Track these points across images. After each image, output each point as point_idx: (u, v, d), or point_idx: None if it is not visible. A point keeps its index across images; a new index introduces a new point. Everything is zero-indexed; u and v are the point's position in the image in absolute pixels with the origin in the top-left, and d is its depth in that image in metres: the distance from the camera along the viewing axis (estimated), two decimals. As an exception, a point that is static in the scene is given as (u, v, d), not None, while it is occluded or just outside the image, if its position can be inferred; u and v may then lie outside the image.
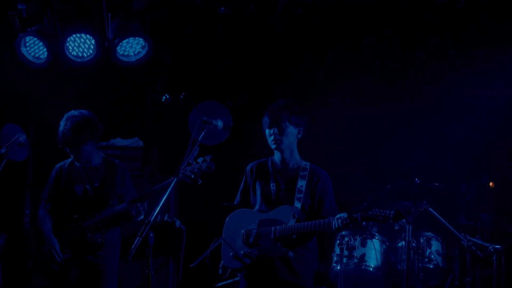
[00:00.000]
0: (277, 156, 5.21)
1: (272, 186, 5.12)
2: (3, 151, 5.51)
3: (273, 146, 5.13)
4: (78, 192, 5.82)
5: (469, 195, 8.23)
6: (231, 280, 6.06)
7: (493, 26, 7.48)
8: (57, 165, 6.02)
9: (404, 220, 6.65)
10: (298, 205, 5.01)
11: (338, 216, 4.79)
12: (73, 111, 5.82)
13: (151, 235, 4.91)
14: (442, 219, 6.77)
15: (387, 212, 4.67)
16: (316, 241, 5.24)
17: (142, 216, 5.61)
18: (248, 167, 5.35)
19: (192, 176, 4.93)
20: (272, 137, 5.08)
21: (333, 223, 4.76)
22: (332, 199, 5.17)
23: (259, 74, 8.63)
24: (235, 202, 5.40)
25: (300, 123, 5.12)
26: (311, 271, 5.14)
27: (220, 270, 5.40)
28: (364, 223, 4.76)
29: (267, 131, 5.13)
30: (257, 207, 5.16)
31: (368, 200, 6.43)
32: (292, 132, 5.09)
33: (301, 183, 5.05)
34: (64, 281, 5.70)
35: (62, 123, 5.76)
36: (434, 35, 7.72)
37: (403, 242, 6.87)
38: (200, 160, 4.91)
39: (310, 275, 5.14)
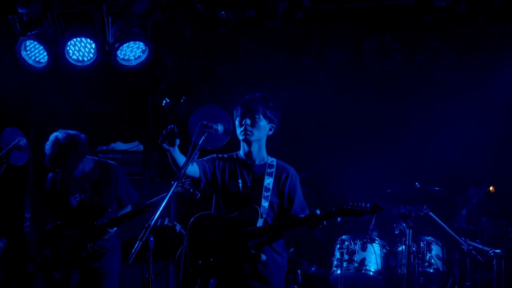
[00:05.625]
0: (243, 150, 4.92)
1: (239, 184, 4.84)
2: (3, 155, 5.51)
3: (241, 137, 4.84)
4: (73, 203, 5.80)
5: (475, 199, 8.22)
6: None
7: (493, 30, 7.50)
8: (50, 175, 5.97)
9: (404, 225, 6.67)
10: (265, 204, 4.76)
11: (311, 212, 4.57)
12: (57, 133, 5.68)
13: (151, 239, 4.90)
14: (442, 223, 6.77)
15: (363, 205, 4.45)
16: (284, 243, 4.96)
17: None
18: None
19: (191, 190, 4.89)
20: (242, 128, 4.80)
21: (306, 220, 4.56)
22: (302, 196, 4.92)
23: (260, 78, 8.64)
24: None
25: (274, 119, 4.87)
26: (282, 275, 4.88)
27: (190, 280, 5.05)
28: (339, 218, 4.52)
29: (237, 120, 4.84)
30: (223, 208, 4.86)
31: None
32: (264, 127, 4.83)
33: (268, 181, 4.81)
34: (65, 286, 5.68)
35: (48, 150, 5.64)
36: (434, 39, 7.73)
37: (403, 247, 6.88)
38: None
39: (282, 280, 4.87)
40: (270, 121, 4.85)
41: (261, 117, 4.80)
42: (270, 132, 4.89)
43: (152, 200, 5.54)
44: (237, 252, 4.63)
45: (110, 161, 6.02)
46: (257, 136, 4.82)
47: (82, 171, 5.83)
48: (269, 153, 4.99)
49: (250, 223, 4.65)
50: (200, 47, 8.01)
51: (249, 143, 4.85)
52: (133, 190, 5.98)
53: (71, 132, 5.72)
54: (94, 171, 5.86)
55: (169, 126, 4.45)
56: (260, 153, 4.90)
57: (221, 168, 4.89)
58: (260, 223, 4.67)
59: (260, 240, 4.67)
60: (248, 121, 4.77)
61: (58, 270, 5.63)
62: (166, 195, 4.27)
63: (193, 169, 4.70)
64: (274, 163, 4.90)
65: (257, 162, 4.89)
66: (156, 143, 8.01)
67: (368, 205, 4.46)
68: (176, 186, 4.73)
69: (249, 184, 4.83)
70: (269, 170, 4.85)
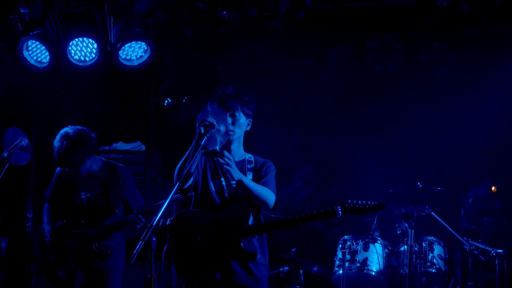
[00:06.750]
0: (221, 148, 4.77)
1: (222, 181, 4.74)
2: (5, 155, 5.49)
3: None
4: (77, 200, 5.81)
5: (471, 199, 8.22)
6: None
7: (494, 30, 7.50)
8: (58, 169, 5.99)
9: (406, 225, 6.67)
10: None
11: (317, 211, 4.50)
12: (67, 128, 5.74)
13: (154, 239, 4.90)
14: (444, 223, 6.77)
15: (364, 202, 4.40)
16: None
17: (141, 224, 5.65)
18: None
19: None
20: None
21: (306, 218, 4.50)
22: (274, 186, 4.77)
23: (261, 78, 8.65)
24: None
25: (251, 114, 4.79)
26: (267, 271, 4.79)
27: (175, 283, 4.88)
28: (339, 216, 4.41)
29: (216, 120, 4.65)
30: (204, 206, 4.73)
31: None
32: (244, 123, 4.75)
33: (250, 177, 4.73)
34: (69, 286, 5.69)
35: (57, 143, 5.68)
36: (435, 39, 7.73)
37: (405, 247, 6.88)
38: None
39: (267, 276, 4.79)
40: (247, 116, 4.77)
41: (241, 114, 4.72)
42: (248, 128, 4.81)
43: (161, 202, 5.51)
44: (229, 250, 4.55)
45: (119, 164, 6.05)
46: (238, 134, 4.75)
47: (90, 169, 5.85)
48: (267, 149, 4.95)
49: (241, 220, 4.58)
50: (201, 47, 8.01)
51: (229, 141, 4.75)
52: (139, 195, 5.98)
53: (81, 127, 5.78)
54: (102, 171, 5.88)
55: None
56: (239, 150, 4.83)
57: (201, 167, 4.78)
58: (251, 220, 4.61)
59: (251, 237, 4.62)
60: (229, 120, 4.70)
61: (62, 269, 5.64)
62: (174, 197, 4.24)
63: (188, 176, 4.58)
64: (252, 158, 4.85)
65: (236, 159, 4.79)
66: (158, 143, 7.97)
67: (370, 202, 4.41)
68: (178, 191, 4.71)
69: (231, 182, 4.72)
70: (249, 166, 4.79)
